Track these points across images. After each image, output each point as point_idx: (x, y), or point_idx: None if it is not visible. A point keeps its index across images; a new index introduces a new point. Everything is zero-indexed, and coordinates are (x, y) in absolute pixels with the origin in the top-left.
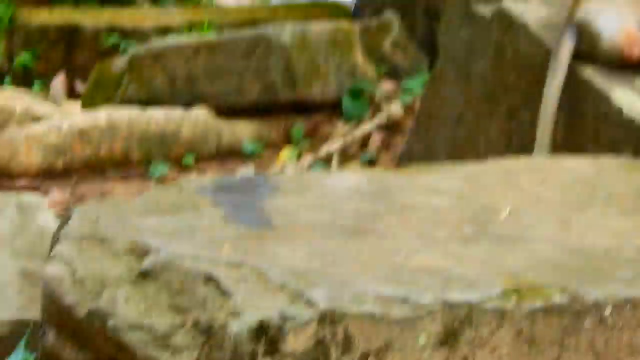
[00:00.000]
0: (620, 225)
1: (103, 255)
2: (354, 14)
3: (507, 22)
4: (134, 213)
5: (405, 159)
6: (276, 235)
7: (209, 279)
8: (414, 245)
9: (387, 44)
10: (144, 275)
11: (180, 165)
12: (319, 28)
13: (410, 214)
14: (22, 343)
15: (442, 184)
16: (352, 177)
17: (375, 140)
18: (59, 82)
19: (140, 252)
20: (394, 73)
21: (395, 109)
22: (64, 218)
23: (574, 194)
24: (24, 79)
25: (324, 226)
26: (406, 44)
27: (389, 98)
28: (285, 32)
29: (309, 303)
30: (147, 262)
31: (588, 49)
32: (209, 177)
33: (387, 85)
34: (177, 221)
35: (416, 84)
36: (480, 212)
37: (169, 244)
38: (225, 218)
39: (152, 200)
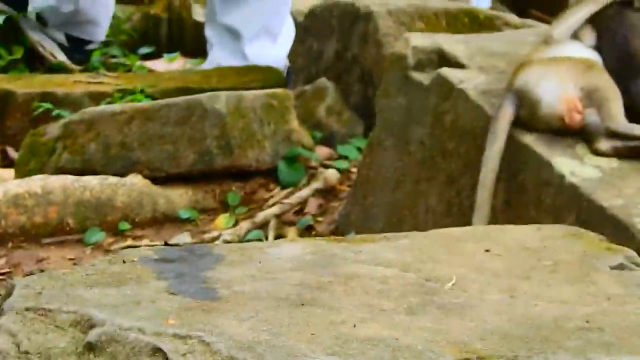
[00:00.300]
0: (567, 294)
1: (48, 327)
2: (287, 79)
3: (445, 89)
4: (77, 284)
5: (343, 225)
6: (222, 306)
7: (155, 352)
8: (360, 316)
9: (322, 110)
10: (90, 348)
11: (115, 232)
12: (254, 94)
13: (356, 284)
14: None
15: (387, 254)
16: (296, 246)
17: (312, 206)
18: None
19: (85, 324)
20: (329, 138)
21: (331, 174)
22: (7, 290)
23: (519, 262)
24: None
25: (269, 297)
26: (341, 109)
27: (324, 164)
28: (220, 98)
29: None
30: (92, 335)
31: (528, 116)
32: (145, 243)
33: (322, 151)
34: (122, 292)
35: (351, 150)
36: (426, 281)
37: (114, 316)
38: (169, 289)
39: (95, 271)
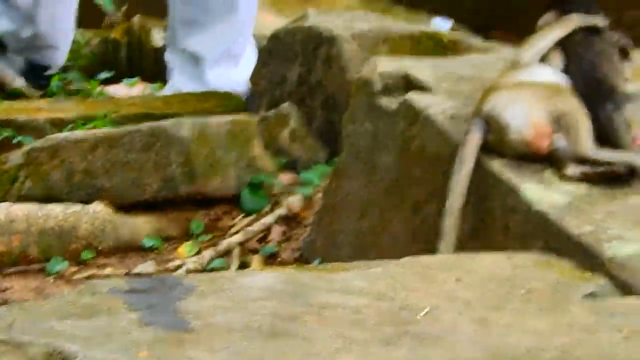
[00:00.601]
0: (540, 324)
1: None
2: (249, 103)
3: (412, 115)
4: (48, 316)
5: (307, 252)
6: (194, 338)
7: None
8: (334, 347)
9: (285, 135)
10: None
11: (78, 261)
12: (219, 121)
13: (329, 314)
14: None
15: (359, 283)
16: (267, 276)
17: (276, 233)
18: None
19: (58, 357)
20: (292, 164)
21: (294, 201)
22: None
23: (491, 291)
24: None
25: (241, 328)
26: (304, 135)
27: (288, 190)
28: (185, 125)
29: None
30: None
31: (496, 141)
32: (108, 272)
33: (286, 178)
34: (93, 324)
35: (315, 176)
36: (399, 311)
37: (87, 349)
38: (141, 321)
39: (65, 303)
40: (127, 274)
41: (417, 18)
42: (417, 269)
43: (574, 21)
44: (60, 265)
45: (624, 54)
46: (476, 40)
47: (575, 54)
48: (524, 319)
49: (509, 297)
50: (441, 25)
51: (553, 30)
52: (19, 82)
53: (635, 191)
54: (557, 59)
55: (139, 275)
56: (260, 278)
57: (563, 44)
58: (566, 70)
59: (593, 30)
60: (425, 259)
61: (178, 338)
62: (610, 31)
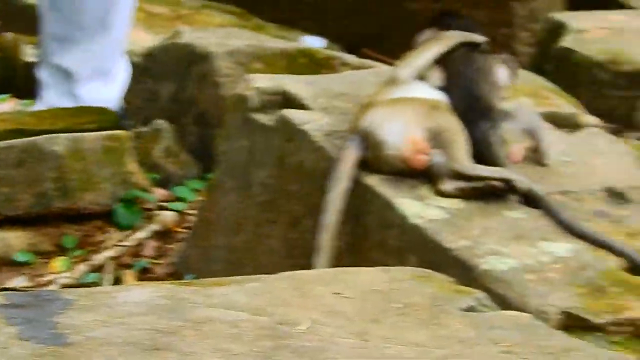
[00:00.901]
0: (419, 337)
1: None
2: (121, 120)
3: (289, 130)
4: None
5: (181, 268)
6: (73, 352)
7: None
8: None
9: (158, 151)
10: None
11: None
12: (93, 136)
13: (208, 329)
14: None
15: (237, 298)
16: (146, 290)
17: (149, 248)
18: None
19: None
20: (165, 180)
21: (167, 216)
22: None
23: (370, 305)
24: None
25: (121, 342)
26: (178, 151)
27: (161, 205)
28: (59, 140)
29: None
30: None
31: (373, 157)
32: None
33: (159, 193)
34: None
35: (188, 191)
36: (278, 325)
37: None
38: (19, 336)
39: None
40: (1, 289)
41: (289, 36)
42: (295, 283)
43: (454, 38)
44: None
45: (512, 74)
46: (351, 57)
47: (455, 70)
48: (403, 332)
49: (388, 310)
50: (313, 43)
51: (432, 47)
52: None
53: (510, 206)
54: (437, 75)
55: (13, 289)
56: (139, 293)
57: (443, 61)
58: (446, 86)
59: (473, 47)
60: (304, 273)
61: (57, 353)
62: (497, 51)
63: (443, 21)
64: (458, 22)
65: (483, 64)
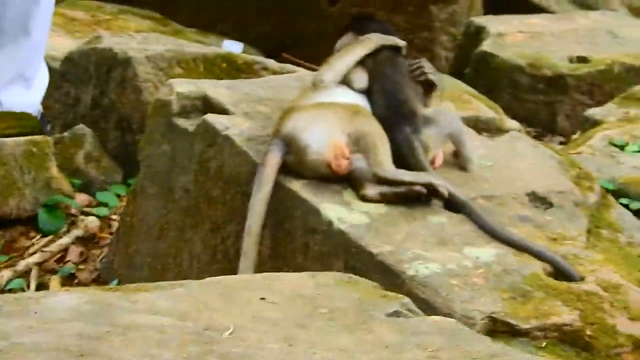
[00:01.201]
0: (345, 342)
1: None
2: (41, 125)
3: (211, 135)
4: None
5: (105, 273)
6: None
7: None
8: None
9: (80, 157)
10: None
11: None
12: (14, 141)
13: (134, 334)
14: None
15: (163, 303)
16: (72, 296)
17: (73, 254)
18: None
19: None
20: (88, 185)
21: (91, 222)
22: None
23: (296, 310)
24: None
25: (48, 348)
26: (99, 156)
27: (84, 211)
28: None
29: None
30: None
31: (296, 162)
32: None
33: (82, 198)
34: None
35: (111, 197)
36: (204, 331)
37: None
38: None
39: None
40: None
41: (208, 41)
42: (220, 289)
43: (374, 41)
44: None
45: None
46: (271, 62)
47: (380, 73)
48: (329, 337)
49: (314, 315)
50: (232, 48)
51: (354, 50)
52: None
53: (433, 211)
54: (360, 77)
55: None
56: (66, 298)
57: (367, 63)
58: (369, 89)
59: (397, 51)
60: (229, 278)
61: None
62: (417, 55)
63: (359, 25)
64: (373, 26)
65: (406, 68)
